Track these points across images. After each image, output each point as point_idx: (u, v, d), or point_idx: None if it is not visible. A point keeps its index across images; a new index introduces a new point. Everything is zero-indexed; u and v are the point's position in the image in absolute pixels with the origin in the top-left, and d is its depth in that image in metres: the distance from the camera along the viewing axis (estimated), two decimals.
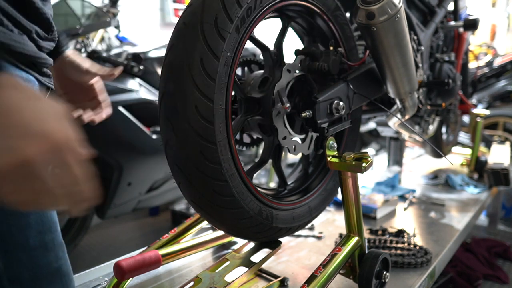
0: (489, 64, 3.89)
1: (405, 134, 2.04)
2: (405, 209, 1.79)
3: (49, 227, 0.67)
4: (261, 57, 1.08)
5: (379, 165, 2.61)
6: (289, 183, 1.23)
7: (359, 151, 1.08)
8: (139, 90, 2.16)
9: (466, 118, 2.90)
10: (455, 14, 2.03)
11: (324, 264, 0.95)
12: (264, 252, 1.13)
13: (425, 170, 2.55)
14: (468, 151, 2.55)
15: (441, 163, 2.67)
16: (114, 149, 2.08)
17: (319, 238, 1.43)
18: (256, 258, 1.10)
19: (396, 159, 2.50)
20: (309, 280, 0.91)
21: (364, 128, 3.51)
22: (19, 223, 0.63)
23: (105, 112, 0.99)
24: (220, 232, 1.24)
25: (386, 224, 1.59)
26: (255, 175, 1.09)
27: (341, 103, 1.08)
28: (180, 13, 0.99)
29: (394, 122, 1.69)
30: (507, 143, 3.00)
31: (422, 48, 1.57)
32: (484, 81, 3.80)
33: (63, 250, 0.70)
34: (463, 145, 2.82)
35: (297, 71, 1.09)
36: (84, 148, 0.48)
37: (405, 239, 1.39)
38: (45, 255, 0.66)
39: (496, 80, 3.78)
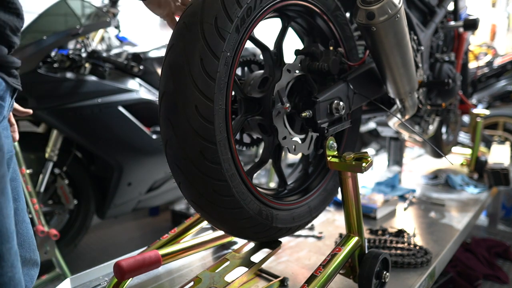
0: (489, 64, 3.89)
1: (405, 134, 2.04)
2: (405, 209, 1.79)
3: (7, 238, 0.66)
4: (261, 57, 1.08)
5: (379, 165, 2.61)
6: (289, 183, 1.23)
7: (359, 151, 1.08)
8: (139, 90, 2.16)
9: (466, 118, 2.90)
10: (455, 14, 2.03)
11: (324, 264, 0.95)
12: (264, 252, 1.13)
13: (425, 170, 2.55)
14: (468, 151, 2.55)
15: (441, 163, 2.67)
16: (114, 149, 2.08)
17: (319, 238, 1.43)
18: (256, 258, 1.10)
19: (396, 159, 2.50)
20: (309, 280, 0.91)
21: (364, 128, 3.51)
22: None
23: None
24: (220, 232, 1.24)
25: (386, 224, 1.59)
26: (255, 175, 1.09)
27: (341, 103, 1.08)
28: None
29: (394, 122, 1.69)
30: (507, 143, 3.00)
31: (422, 48, 1.57)
32: (484, 81, 3.80)
33: (17, 258, 0.69)
34: (463, 145, 2.82)
35: (297, 71, 1.09)
36: None
37: (405, 239, 1.39)
38: (1, 265, 0.65)
39: (496, 80, 3.78)
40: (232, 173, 0.88)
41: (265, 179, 3.33)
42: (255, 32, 0.97)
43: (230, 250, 1.27)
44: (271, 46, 1.08)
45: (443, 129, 2.37)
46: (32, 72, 1.83)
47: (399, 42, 1.09)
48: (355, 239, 1.03)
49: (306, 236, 1.44)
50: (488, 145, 2.96)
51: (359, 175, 1.02)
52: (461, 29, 2.03)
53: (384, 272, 1.05)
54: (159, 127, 1.03)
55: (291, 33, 1.17)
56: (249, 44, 1.03)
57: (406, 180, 2.31)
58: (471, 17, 1.85)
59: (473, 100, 2.95)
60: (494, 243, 2.51)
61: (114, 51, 2.29)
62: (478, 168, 2.34)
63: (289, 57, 1.11)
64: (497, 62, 3.85)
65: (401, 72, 1.20)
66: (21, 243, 0.86)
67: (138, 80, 2.21)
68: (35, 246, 0.91)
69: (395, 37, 1.07)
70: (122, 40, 2.85)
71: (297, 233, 1.33)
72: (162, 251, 1.06)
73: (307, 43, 1.22)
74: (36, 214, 1.80)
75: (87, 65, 2.00)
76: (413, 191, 2.00)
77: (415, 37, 1.55)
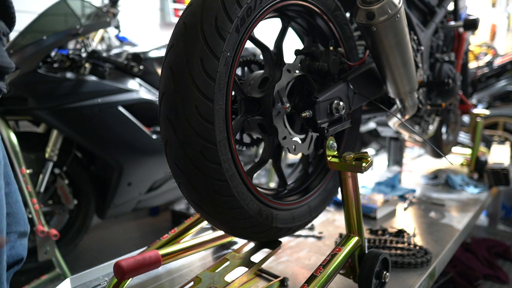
0: (489, 64, 3.89)
1: (405, 134, 2.04)
2: (405, 209, 1.79)
3: None
4: (261, 57, 1.08)
5: (379, 165, 2.61)
6: (289, 183, 1.23)
7: (359, 151, 1.08)
8: (139, 90, 2.16)
9: (466, 118, 2.90)
10: (455, 14, 2.03)
11: (324, 264, 0.95)
12: (264, 252, 1.13)
13: (425, 170, 2.55)
14: (468, 151, 2.55)
15: (441, 163, 2.67)
16: (114, 149, 2.08)
17: (319, 238, 1.43)
18: (256, 258, 1.10)
19: (396, 159, 2.50)
20: (309, 280, 0.91)
21: (364, 128, 3.51)
22: None
23: None
24: (220, 232, 1.24)
25: (386, 224, 1.59)
26: (255, 175, 1.09)
27: (341, 103, 1.08)
28: (180, 13, 0.99)
29: (394, 122, 1.69)
30: (507, 143, 3.00)
31: (422, 48, 1.57)
32: (484, 81, 3.80)
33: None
34: (463, 145, 2.82)
35: (297, 71, 1.09)
36: None
37: (405, 239, 1.39)
38: None
39: (496, 80, 3.78)
40: (232, 173, 0.88)
41: (265, 179, 3.33)
42: (255, 32, 0.97)
43: (230, 250, 1.27)
44: (271, 46, 1.08)
45: (443, 129, 2.37)
46: (32, 72, 1.83)
47: (399, 42, 1.09)
48: (355, 239, 1.03)
49: (306, 236, 1.44)
50: (488, 145, 2.96)
51: (359, 175, 1.02)
52: (461, 29, 2.03)
53: (384, 272, 1.05)
54: (159, 127, 1.03)
55: (291, 33, 1.17)
56: (249, 44, 1.03)
57: (406, 180, 2.31)
58: (471, 17, 1.85)
59: (473, 100, 2.95)
60: (494, 243, 2.51)
61: (114, 51, 2.28)
62: (478, 168, 2.34)
63: (289, 57, 1.11)
64: (497, 62, 3.86)
65: (401, 72, 1.20)
66: (17, 220, 0.94)
67: (138, 80, 2.21)
68: (26, 220, 0.99)
69: (395, 37, 1.07)
70: (122, 40, 2.85)
71: (297, 233, 1.33)
72: (162, 251, 1.06)
73: (307, 43, 1.22)
74: (36, 214, 1.80)
75: (87, 65, 2.00)
76: (413, 191, 2.00)
77: (415, 37, 1.55)
